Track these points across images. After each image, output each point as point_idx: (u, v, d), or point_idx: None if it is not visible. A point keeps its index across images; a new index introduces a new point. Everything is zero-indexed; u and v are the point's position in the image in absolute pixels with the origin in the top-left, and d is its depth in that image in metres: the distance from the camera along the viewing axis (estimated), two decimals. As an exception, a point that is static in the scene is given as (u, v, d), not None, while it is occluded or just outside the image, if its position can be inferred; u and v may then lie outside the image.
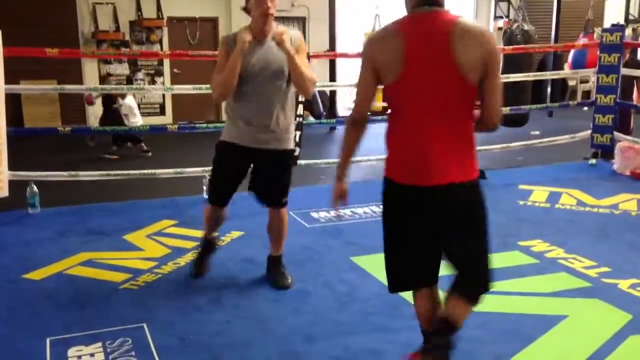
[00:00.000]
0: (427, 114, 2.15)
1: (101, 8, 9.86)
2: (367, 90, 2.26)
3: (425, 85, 2.12)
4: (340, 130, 9.05)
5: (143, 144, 7.61)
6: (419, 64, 2.10)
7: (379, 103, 10.79)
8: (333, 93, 9.98)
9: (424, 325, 2.49)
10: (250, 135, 3.24)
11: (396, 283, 2.44)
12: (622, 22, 10.10)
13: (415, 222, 2.27)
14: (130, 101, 7.60)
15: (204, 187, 5.02)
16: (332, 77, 9.55)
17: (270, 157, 3.30)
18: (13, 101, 8.28)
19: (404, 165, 2.23)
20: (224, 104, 3.34)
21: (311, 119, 9.67)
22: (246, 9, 3.16)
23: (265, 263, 3.62)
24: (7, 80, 4.55)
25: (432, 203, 2.22)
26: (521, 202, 5.19)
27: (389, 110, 2.28)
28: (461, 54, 2.07)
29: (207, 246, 3.63)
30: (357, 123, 2.33)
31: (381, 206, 2.36)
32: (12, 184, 4.63)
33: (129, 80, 9.86)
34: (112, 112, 7.53)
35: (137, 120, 7.51)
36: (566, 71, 10.26)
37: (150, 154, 7.52)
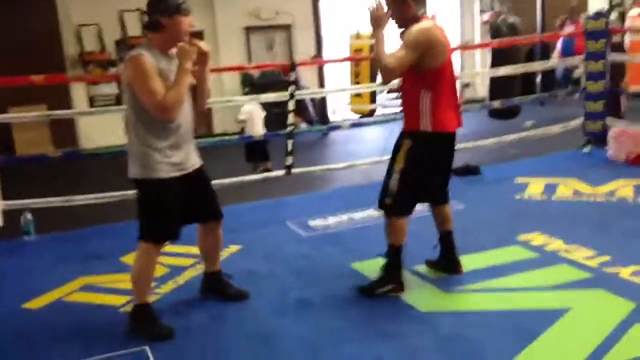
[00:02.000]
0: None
1: (86, 29, 9.85)
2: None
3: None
4: (334, 135, 9.05)
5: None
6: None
7: (369, 106, 10.86)
8: (323, 99, 9.97)
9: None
10: (186, 158, 3.13)
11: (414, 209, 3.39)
12: (606, 7, 10.13)
13: (451, 156, 3.41)
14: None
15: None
16: (321, 83, 9.55)
17: (202, 173, 3.27)
18: (3, 129, 8.27)
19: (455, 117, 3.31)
20: (133, 140, 3.00)
21: (303, 125, 9.66)
22: (156, 26, 2.97)
23: (223, 288, 3.50)
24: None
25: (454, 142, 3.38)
26: (518, 196, 5.18)
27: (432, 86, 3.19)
28: None
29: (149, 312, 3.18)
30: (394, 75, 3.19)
31: (423, 157, 3.24)
32: (7, 213, 4.60)
33: (118, 100, 9.86)
34: None
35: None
36: (554, 61, 10.27)
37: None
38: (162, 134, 3.00)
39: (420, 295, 3.41)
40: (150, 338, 3.03)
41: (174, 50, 3.05)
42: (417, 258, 3.74)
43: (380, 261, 3.84)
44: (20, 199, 4.84)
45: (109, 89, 10.04)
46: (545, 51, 10.58)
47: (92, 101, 9.96)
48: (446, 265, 3.67)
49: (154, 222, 3.09)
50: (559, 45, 10.55)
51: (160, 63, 2.96)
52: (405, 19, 3.22)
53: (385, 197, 3.31)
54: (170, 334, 3.06)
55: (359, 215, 4.86)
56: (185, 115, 3.11)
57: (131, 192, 5.16)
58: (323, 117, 9.89)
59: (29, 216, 4.85)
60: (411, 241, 3.80)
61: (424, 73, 3.18)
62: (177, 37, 3.00)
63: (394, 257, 3.38)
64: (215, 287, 3.51)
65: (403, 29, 3.25)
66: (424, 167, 3.27)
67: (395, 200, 3.27)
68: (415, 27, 3.16)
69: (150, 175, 3.01)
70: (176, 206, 3.11)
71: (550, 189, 5.30)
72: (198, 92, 3.20)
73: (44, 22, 9.45)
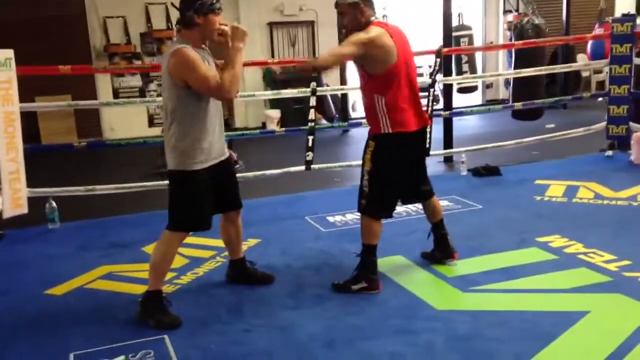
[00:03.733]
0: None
1: (112, 22, 9.97)
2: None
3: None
4: (354, 132, 9.06)
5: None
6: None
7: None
8: (344, 96, 9.98)
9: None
10: (217, 149, 3.26)
11: (390, 209, 3.53)
12: (633, 11, 10.00)
13: (417, 154, 3.58)
14: None
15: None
16: (342, 80, 9.55)
17: (229, 162, 3.43)
18: (29, 117, 8.39)
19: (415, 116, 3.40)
20: (172, 132, 3.11)
21: (324, 121, 9.68)
22: (189, 23, 3.09)
23: (249, 273, 3.66)
24: (23, 98, 4.61)
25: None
26: (538, 198, 5.15)
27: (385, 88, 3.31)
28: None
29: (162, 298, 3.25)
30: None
31: (386, 157, 3.37)
32: (31, 200, 4.68)
33: (142, 92, 9.97)
34: None
35: None
36: (578, 63, 10.17)
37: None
38: (199, 127, 3.13)
39: (436, 294, 3.42)
40: (158, 325, 3.10)
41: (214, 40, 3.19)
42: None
43: (397, 259, 3.89)
44: (44, 187, 4.92)
45: (134, 81, 10.16)
46: (569, 53, 10.47)
47: (116, 93, 10.09)
48: (440, 253, 3.77)
49: (188, 212, 3.19)
50: (588, 47, 10.46)
51: (198, 54, 3.08)
52: (359, 25, 3.33)
53: (361, 198, 3.46)
54: (177, 324, 3.12)
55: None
56: (217, 106, 3.25)
57: (151, 183, 5.26)
58: (344, 114, 9.91)
59: (53, 204, 4.94)
60: (428, 240, 3.84)
61: (374, 78, 3.32)
62: (208, 35, 3.13)
63: (369, 256, 3.47)
64: (241, 273, 3.66)
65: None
66: (389, 167, 3.39)
67: (368, 201, 3.42)
68: (362, 32, 3.27)
69: (186, 166, 3.13)
70: (209, 196, 3.24)
71: (571, 191, 5.27)
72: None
73: (72, 13, 9.58)
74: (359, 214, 3.54)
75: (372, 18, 3.36)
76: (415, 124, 3.39)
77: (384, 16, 10.34)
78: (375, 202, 3.43)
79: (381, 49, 3.25)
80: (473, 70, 9.72)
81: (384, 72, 3.28)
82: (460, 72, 9.30)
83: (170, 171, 3.20)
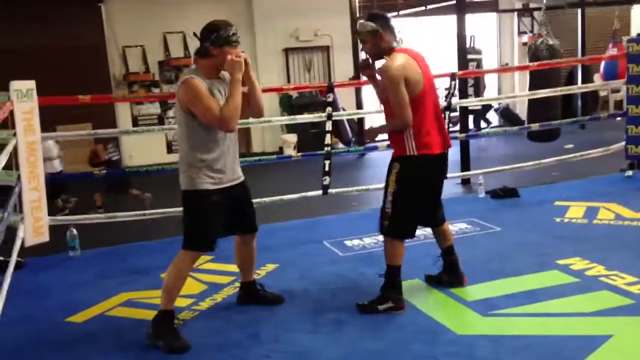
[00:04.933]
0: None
1: (131, 51, 10.16)
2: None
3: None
4: (370, 155, 9.08)
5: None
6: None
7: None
8: (360, 120, 10.02)
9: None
10: (230, 173, 3.33)
11: (413, 230, 3.54)
12: (649, 30, 9.97)
13: (440, 177, 3.58)
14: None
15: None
16: (359, 104, 9.60)
17: (245, 186, 3.48)
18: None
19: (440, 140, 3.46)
20: (184, 154, 3.25)
21: (340, 145, 9.72)
22: (206, 53, 3.20)
23: (259, 295, 3.73)
24: (44, 126, 4.70)
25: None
26: (558, 219, 5.10)
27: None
28: None
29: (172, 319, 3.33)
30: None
31: (411, 179, 3.40)
32: (52, 228, 4.75)
33: (161, 120, 10.10)
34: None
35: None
36: (595, 83, 10.13)
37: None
38: (209, 149, 3.23)
39: (456, 318, 3.39)
40: (167, 349, 3.15)
41: (223, 73, 3.30)
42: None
43: (416, 282, 3.87)
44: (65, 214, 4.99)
45: (153, 108, 10.30)
46: (586, 74, 10.43)
47: (135, 120, 10.24)
48: (450, 279, 3.76)
49: (197, 231, 3.30)
50: (602, 68, 10.42)
51: (209, 85, 3.19)
52: (380, 52, 3.42)
53: (383, 219, 3.48)
54: (186, 348, 3.16)
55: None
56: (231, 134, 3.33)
57: (170, 210, 5.31)
58: (360, 138, 9.94)
59: (74, 232, 5.00)
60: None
61: None
62: (223, 66, 3.23)
63: (393, 277, 3.49)
64: (252, 295, 3.73)
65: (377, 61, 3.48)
66: (413, 189, 3.43)
67: (391, 222, 3.44)
68: (388, 66, 3.31)
69: (196, 186, 3.23)
70: (218, 217, 3.31)
71: (591, 212, 5.21)
72: (250, 96, 3.38)
73: (92, 43, 9.77)
74: (379, 237, 3.55)
75: (394, 44, 3.41)
76: (439, 147, 3.44)
77: (399, 39, 10.42)
78: (398, 223, 3.44)
79: (411, 77, 3.30)
80: (478, 94, 9.73)
81: (413, 98, 3.31)
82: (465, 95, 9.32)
83: (183, 191, 3.31)
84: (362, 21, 3.46)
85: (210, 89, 3.18)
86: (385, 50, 3.39)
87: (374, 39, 3.39)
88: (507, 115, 10.78)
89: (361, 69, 3.70)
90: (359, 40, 3.58)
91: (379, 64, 3.47)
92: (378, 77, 3.53)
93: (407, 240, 3.54)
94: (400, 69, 3.28)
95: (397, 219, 3.43)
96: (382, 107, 3.62)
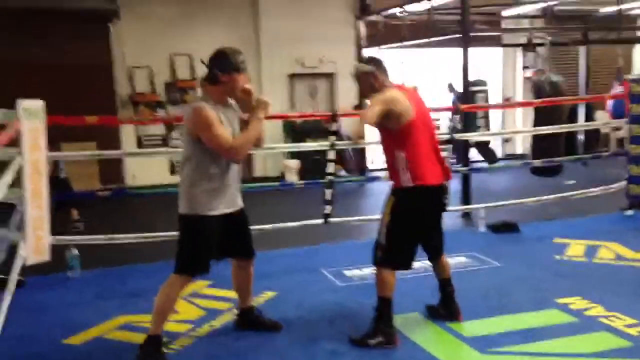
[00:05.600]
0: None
1: (138, 71, 10.25)
2: None
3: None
4: (372, 185, 9.10)
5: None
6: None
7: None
8: (362, 149, 10.06)
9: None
10: (229, 200, 3.36)
11: (406, 261, 3.55)
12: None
13: (436, 209, 3.59)
14: None
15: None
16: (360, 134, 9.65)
17: (243, 212, 3.51)
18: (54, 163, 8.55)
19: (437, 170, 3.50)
20: (185, 177, 3.29)
21: (343, 172, 9.74)
22: (215, 79, 3.25)
23: (257, 320, 3.76)
24: (49, 143, 4.73)
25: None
26: (557, 257, 5.11)
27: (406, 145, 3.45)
28: None
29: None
30: None
31: (405, 210, 3.46)
32: (53, 247, 4.74)
33: (165, 140, 10.15)
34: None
35: None
36: (597, 122, 10.21)
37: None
38: (212, 175, 3.26)
39: (454, 355, 3.39)
40: None
41: (232, 101, 3.38)
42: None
43: (414, 316, 3.87)
44: (66, 235, 4.99)
45: (157, 129, 10.35)
46: (588, 111, 10.52)
47: (140, 140, 10.27)
48: (446, 313, 3.79)
49: (190, 256, 3.33)
50: (609, 105, 10.50)
51: (217, 112, 3.21)
52: (373, 90, 3.55)
53: (377, 249, 3.53)
54: None
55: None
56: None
57: (171, 233, 5.31)
58: (361, 167, 9.98)
59: (74, 252, 5.00)
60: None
61: (393, 134, 3.48)
62: (231, 92, 3.30)
63: (384, 309, 3.50)
64: (250, 321, 3.75)
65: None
66: (407, 221, 3.50)
67: (385, 253, 3.48)
68: (373, 96, 3.49)
69: (195, 211, 3.26)
70: (213, 244, 3.34)
71: (591, 251, 5.22)
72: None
73: (100, 62, 9.84)
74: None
75: (387, 83, 3.58)
76: (435, 179, 3.49)
77: (402, 70, 10.54)
78: (391, 254, 3.49)
79: (398, 105, 3.41)
80: (488, 125, 9.79)
81: (402, 127, 3.42)
82: (475, 127, 9.37)
83: (180, 215, 3.32)
84: (357, 64, 3.72)
85: (218, 115, 3.21)
86: (378, 89, 3.54)
87: (368, 78, 3.58)
88: (484, 150, 10.58)
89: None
90: (355, 80, 3.70)
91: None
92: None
93: (406, 272, 3.58)
94: (387, 99, 3.42)
95: (390, 251, 3.48)
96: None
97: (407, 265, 3.57)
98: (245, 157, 3.32)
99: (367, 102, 3.60)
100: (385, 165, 3.64)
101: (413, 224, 3.53)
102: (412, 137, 3.45)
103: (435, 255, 3.77)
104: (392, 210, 3.49)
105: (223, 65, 3.23)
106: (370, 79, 3.57)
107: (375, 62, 3.66)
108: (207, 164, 3.24)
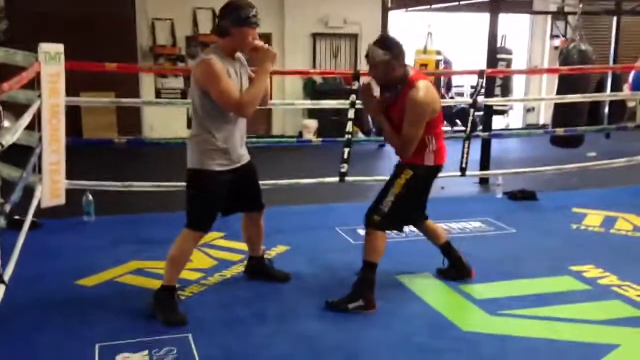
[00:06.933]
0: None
1: (160, 23, 10.16)
2: None
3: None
4: (389, 147, 9.03)
5: None
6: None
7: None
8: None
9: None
10: (237, 155, 3.32)
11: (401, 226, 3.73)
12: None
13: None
14: None
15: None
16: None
17: (251, 166, 3.48)
18: (73, 112, 8.60)
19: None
20: (195, 132, 3.23)
21: (361, 135, 9.68)
22: (225, 32, 3.15)
23: (267, 270, 3.79)
24: (68, 92, 4.72)
25: None
26: (574, 226, 5.05)
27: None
28: None
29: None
30: None
31: (420, 185, 3.56)
32: (69, 192, 4.78)
33: (184, 94, 10.12)
34: None
35: None
36: (624, 92, 9.96)
37: None
38: (219, 128, 3.20)
39: (463, 314, 3.38)
40: (165, 322, 3.17)
41: (238, 54, 3.28)
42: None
43: (426, 276, 3.86)
44: (83, 180, 5.02)
45: (176, 82, 10.33)
46: (616, 82, 10.27)
47: (158, 93, 10.26)
48: (457, 273, 3.80)
49: (202, 211, 3.31)
50: (630, 77, 10.22)
51: (226, 65, 3.13)
52: (389, 80, 3.40)
53: (374, 214, 3.48)
54: (183, 324, 3.16)
55: (408, 228, 4.82)
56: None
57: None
58: (380, 129, 9.89)
59: (90, 197, 5.04)
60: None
61: (428, 123, 3.42)
62: (241, 46, 3.21)
63: (368, 274, 3.46)
64: (260, 270, 3.79)
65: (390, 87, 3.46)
66: (417, 195, 3.63)
67: (383, 219, 3.47)
68: (416, 97, 3.30)
69: (206, 167, 3.22)
70: (222, 199, 3.33)
71: (609, 222, 5.15)
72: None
73: (122, 13, 9.80)
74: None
75: (408, 71, 3.40)
76: (445, 158, 3.63)
77: (428, 33, 10.34)
78: (390, 222, 3.53)
79: (435, 109, 3.43)
80: (505, 93, 9.58)
81: (434, 118, 3.46)
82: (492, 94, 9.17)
83: (189, 169, 3.29)
84: (373, 46, 3.36)
85: (227, 68, 3.12)
86: (397, 79, 3.38)
87: (385, 67, 3.35)
88: (462, 117, 10.26)
89: (361, 93, 3.65)
90: (367, 64, 3.45)
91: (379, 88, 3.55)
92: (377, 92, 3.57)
93: (418, 234, 3.65)
94: (430, 103, 3.36)
95: (392, 217, 3.48)
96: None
97: (401, 229, 3.75)
98: (254, 112, 3.21)
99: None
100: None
101: (421, 197, 3.67)
102: (438, 124, 3.55)
103: (422, 220, 3.82)
104: (407, 183, 3.48)
105: (232, 17, 3.12)
106: (385, 67, 3.35)
107: (393, 48, 3.35)
108: (214, 117, 3.17)
